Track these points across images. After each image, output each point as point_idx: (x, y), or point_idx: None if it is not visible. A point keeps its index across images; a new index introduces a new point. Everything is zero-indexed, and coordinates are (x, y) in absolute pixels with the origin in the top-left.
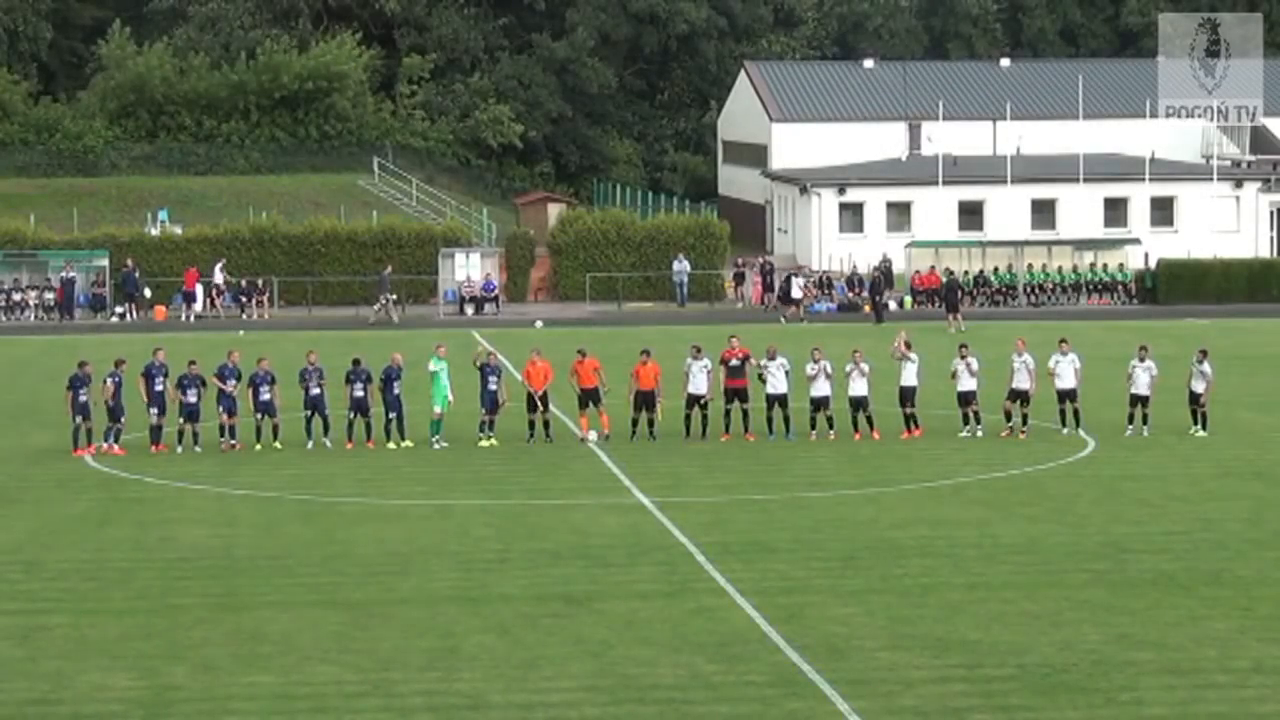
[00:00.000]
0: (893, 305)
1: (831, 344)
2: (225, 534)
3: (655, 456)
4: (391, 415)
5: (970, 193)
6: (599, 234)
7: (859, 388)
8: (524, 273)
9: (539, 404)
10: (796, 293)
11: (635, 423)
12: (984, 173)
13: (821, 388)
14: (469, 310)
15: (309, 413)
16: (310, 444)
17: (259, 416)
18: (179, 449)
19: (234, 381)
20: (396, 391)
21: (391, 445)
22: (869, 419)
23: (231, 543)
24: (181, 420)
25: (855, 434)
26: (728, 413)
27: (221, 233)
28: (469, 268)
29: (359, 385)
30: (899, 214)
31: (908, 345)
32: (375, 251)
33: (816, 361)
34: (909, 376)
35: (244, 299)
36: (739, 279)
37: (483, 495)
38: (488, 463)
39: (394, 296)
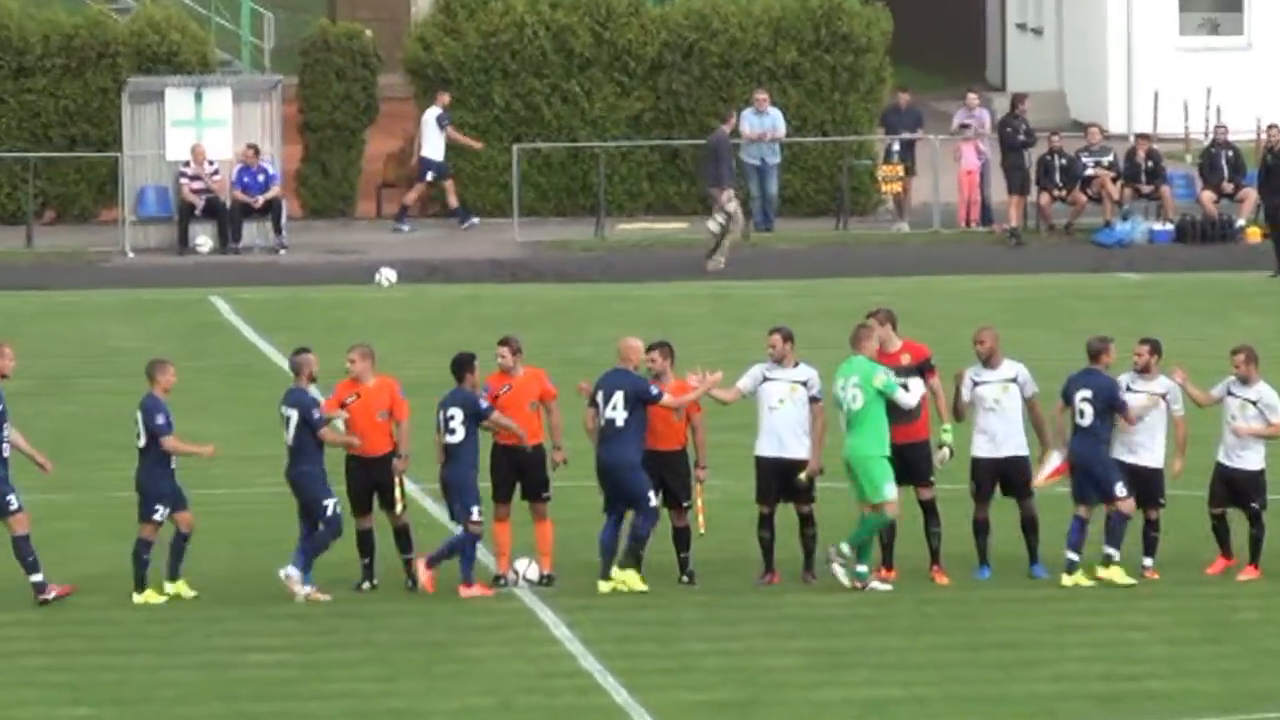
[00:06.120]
0: None
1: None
2: None
3: (684, 623)
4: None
5: None
6: (543, 39)
7: (1242, 455)
8: (351, 148)
9: (384, 495)
10: None
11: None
12: None
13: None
14: (202, 241)
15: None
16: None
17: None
18: None
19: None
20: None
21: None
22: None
23: None
24: None
25: (1217, 562)
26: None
27: None
28: (201, 130)
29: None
30: None
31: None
32: None
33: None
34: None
35: None
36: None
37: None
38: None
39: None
